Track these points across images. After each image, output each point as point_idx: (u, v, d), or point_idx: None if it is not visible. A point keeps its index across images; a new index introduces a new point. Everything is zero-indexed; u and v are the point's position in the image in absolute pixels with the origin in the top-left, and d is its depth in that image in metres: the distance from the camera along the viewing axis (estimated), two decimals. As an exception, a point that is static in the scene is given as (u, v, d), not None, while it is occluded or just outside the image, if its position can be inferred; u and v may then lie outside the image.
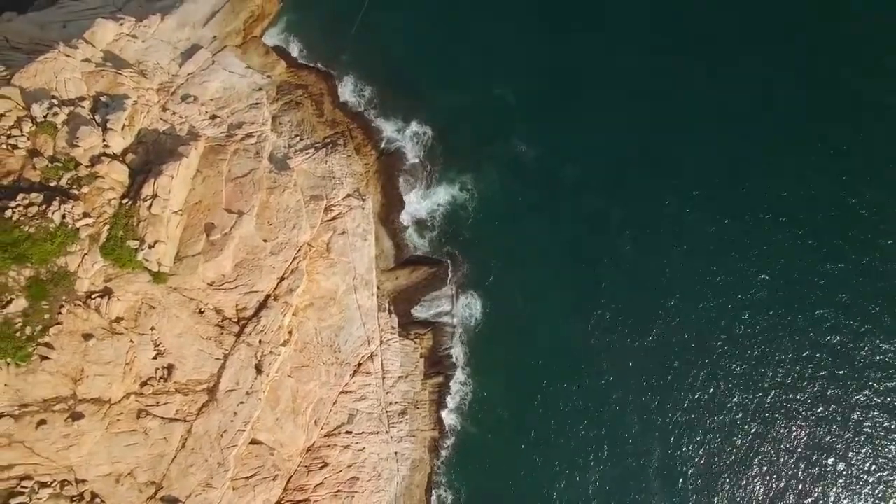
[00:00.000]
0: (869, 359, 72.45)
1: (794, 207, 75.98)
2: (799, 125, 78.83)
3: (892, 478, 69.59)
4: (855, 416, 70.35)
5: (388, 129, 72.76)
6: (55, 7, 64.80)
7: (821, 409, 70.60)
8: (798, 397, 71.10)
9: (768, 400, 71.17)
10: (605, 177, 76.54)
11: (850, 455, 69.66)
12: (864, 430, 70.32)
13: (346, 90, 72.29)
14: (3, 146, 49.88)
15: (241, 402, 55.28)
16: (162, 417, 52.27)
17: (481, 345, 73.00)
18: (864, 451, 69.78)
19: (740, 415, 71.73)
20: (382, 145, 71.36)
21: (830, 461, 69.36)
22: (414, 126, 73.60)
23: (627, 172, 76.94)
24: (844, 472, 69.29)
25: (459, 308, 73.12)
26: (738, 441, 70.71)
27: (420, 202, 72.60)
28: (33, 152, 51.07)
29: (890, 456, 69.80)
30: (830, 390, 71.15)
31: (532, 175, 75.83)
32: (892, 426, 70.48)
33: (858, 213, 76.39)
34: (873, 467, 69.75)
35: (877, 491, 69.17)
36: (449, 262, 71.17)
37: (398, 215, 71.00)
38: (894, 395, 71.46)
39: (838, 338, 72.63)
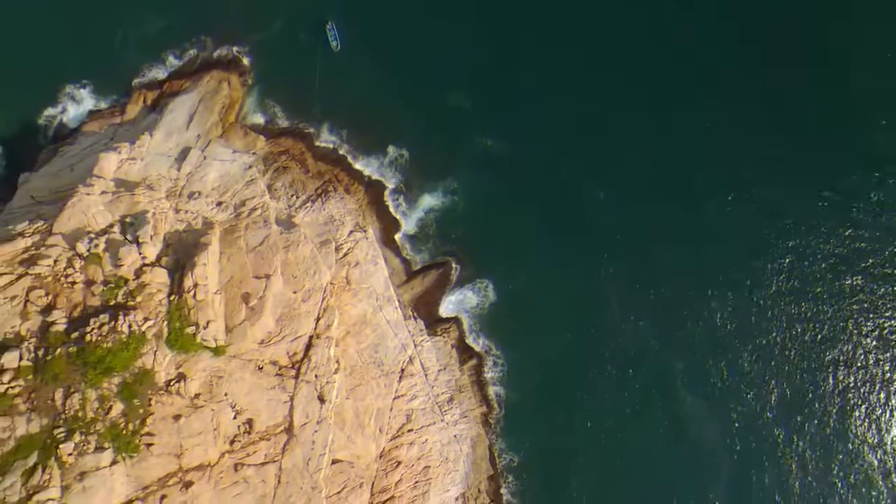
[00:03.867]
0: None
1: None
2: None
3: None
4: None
5: (367, 163, 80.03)
6: (59, 157, 73.26)
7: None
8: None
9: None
10: (564, 151, 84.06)
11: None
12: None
13: (323, 141, 79.79)
14: (65, 285, 59.16)
15: (316, 431, 64.49)
16: (255, 464, 61.55)
17: (501, 320, 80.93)
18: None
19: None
20: (366, 179, 79.19)
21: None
22: (389, 152, 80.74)
23: (586, 144, 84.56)
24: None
25: (473, 295, 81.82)
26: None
27: (411, 216, 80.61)
28: (89, 282, 59.71)
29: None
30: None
31: (501, 163, 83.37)
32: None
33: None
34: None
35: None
36: (452, 260, 79.67)
37: (397, 234, 79.44)
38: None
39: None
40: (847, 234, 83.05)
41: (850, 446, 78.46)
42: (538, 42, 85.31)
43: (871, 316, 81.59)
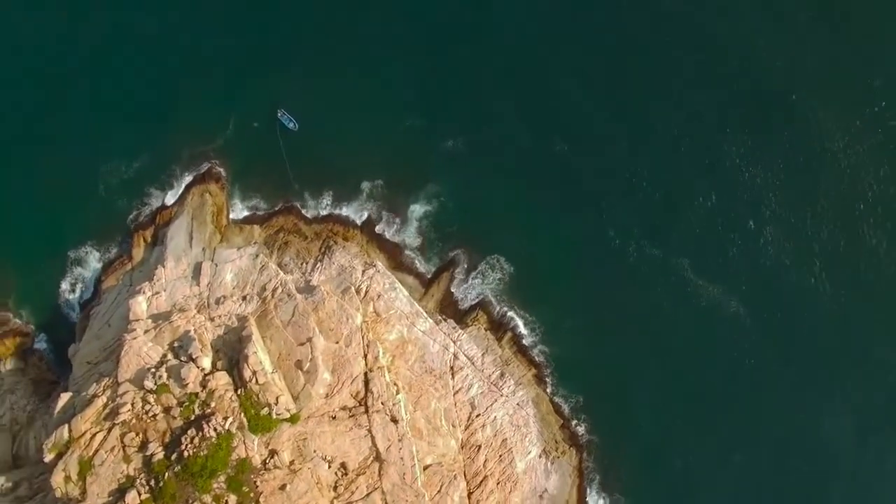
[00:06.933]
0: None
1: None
2: None
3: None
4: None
5: (352, 206, 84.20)
6: (93, 319, 78.30)
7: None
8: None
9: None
10: (519, 123, 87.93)
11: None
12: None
13: (310, 207, 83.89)
14: (148, 420, 65.05)
15: (400, 448, 70.04)
16: (361, 498, 67.69)
17: (521, 289, 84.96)
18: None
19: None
20: (357, 220, 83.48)
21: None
22: (366, 188, 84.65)
23: (536, 113, 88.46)
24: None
25: (491, 271, 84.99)
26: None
27: (407, 231, 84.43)
28: (167, 409, 65.78)
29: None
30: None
31: (469, 154, 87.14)
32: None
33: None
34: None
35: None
36: (458, 255, 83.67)
37: (403, 254, 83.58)
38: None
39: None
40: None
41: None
42: (469, 51, 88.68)
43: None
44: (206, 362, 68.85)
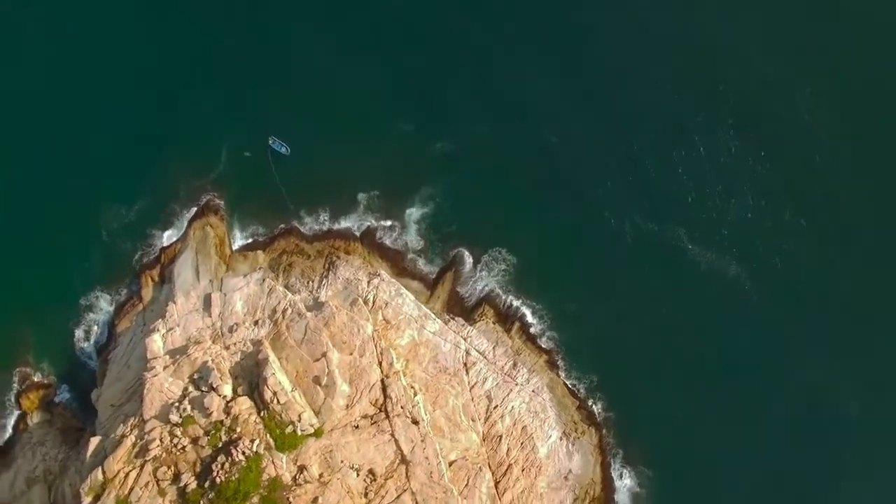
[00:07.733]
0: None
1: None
2: None
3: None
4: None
5: (350, 219, 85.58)
6: (112, 363, 79.72)
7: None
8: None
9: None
10: (506, 122, 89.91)
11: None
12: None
13: (309, 226, 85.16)
14: (178, 453, 66.56)
15: (424, 448, 71.34)
16: (392, 501, 68.98)
17: (525, 278, 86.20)
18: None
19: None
20: (357, 232, 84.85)
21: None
22: (362, 200, 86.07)
23: (522, 110, 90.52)
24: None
25: (495, 263, 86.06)
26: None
27: (407, 236, 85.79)
28: (194, 440, 67.19)
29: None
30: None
31: (459, 155, 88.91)
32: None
33: None
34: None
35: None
36: (459, 253, 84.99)
37: (404, 261, 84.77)
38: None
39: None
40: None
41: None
42: (449, 53, 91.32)
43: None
44: (227, 389, 70.33)
